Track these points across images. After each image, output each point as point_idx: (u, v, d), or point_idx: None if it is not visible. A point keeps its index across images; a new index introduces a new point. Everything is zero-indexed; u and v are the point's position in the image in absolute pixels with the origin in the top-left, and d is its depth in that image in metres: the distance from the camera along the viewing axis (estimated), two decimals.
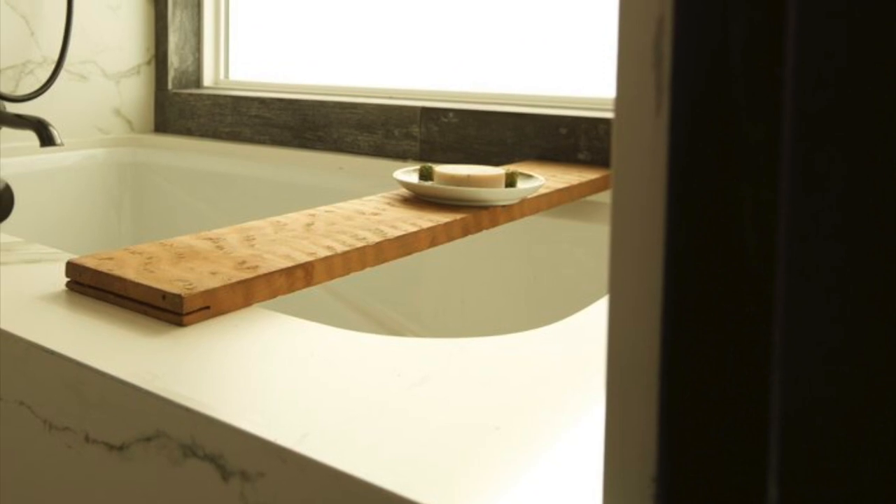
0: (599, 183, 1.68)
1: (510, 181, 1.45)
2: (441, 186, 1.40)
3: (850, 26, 0.37)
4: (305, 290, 1.04)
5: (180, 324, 0.88)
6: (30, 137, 2.20)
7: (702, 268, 0.42)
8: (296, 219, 1.26)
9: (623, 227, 0.45)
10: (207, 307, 0.91)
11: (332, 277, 1.08)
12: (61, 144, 2.08)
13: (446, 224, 1.29)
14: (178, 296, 0.88)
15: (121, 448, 0.75)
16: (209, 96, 2.47)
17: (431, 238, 1.26)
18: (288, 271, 1.01)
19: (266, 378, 0.76)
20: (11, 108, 2.21)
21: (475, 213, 1.36)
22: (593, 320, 0.94)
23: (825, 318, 0.38)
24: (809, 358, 0.38)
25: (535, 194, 1.49)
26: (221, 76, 2.66)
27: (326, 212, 1.32)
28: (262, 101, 2.35)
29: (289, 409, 0.70)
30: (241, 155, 2.34)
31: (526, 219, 1.56)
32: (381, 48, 2.35)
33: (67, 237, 2.34)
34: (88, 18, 2.41)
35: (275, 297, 0.99)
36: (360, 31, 2.38)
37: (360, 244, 1.13)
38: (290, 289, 1.01)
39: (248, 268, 0.99)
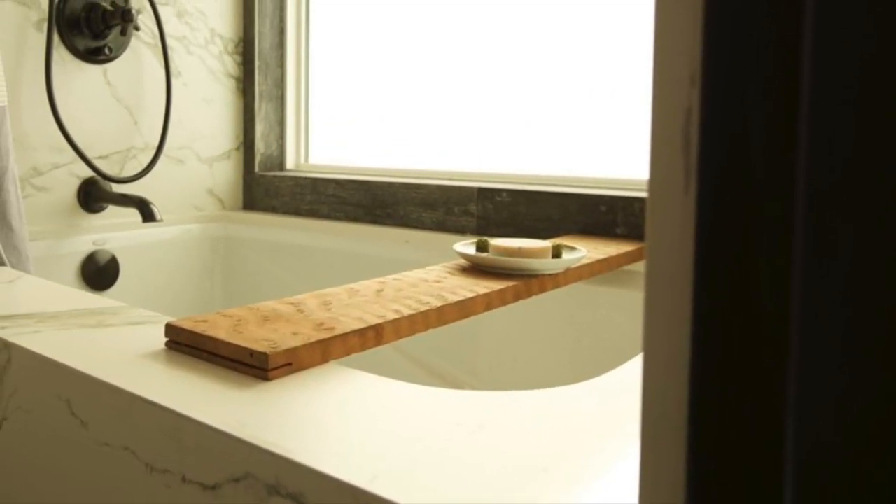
0: (635, 254, 1.68)
1: (556, 253, 1.45)
2: (495, 257, 1.40)
3: (858, 114, 0.37)
4: (376, 349, 1.05)
5: (266, 378, 0.89)
6: (133, 214, 2.23)
7: (724, 329, 0.42)
8: (367, 286, 1.27)
9: (655, 293, 0.45)
10: (289, 364, 0.91)
11: (399, 337, 1.08)
12: (161, 220, 2.10)
13: (500, 290, 1.29)
14: (264, 354, 0.89)
15: (213, 488, 0.76)
16: (291, 178, 2.49)
17: (487, 303, 1.26)
18: (360, 332, 1.01)
19: (341, 426, 0.76)
20: (117, 188, 2.24)
21: (525, 281, 1.36)
22: (629, 375, 0.94)
23: (834, 372, 0.38)
24: (820, 408, 0.38)
25: (578, 264, 1.49)
26: (302, 160, 2.68)
27: (394, 280, 1.32)
28: (337, 182, 2.37)
29: (361, 454, 0.70)
30: (320, 230, 2.35)
31: (570, 286, 1.56)
32: (442, 135, 2.36)
33: (166, 302, 2.36)
34: (185, 110, 2.44)
35: (349, 354, 0.99)
36: (424, 121, 2.40)
37: (424, 308, 1.13)
38: (363, 347, 1.02)
39: (326, 329, 1.00)
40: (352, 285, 1.27)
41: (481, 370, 1.91)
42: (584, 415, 0.81)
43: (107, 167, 2.23)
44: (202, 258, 2.49)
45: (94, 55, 2.19)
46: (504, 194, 1.99)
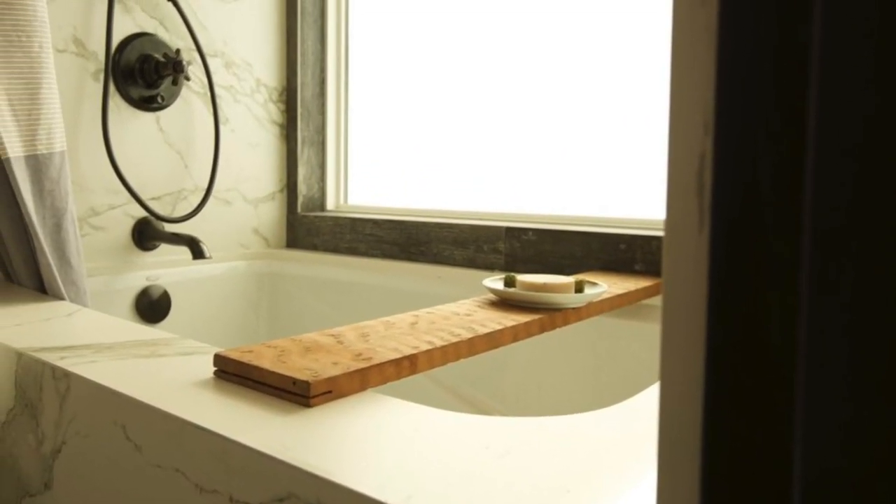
0: (652, 289, 1.68)
1: (579, 288, 1.45)
2: (522, 292, 1.41)
3: (859, 161, 0.38)
4: (410, 378, 1.05)
5: (307, 405, 0.89)
6: (184, 252, 2.25)
7: (736, 359, 0.42)
8: (402, 319, 1.27)
9: (672, 325, 0.45)
10: (330, 391, 0.92)
11: (432, 367, 1.08)
12: (210, 258, 2.12)
13: (526, 323, 1.30)
14: (306, 382, 0.90)
15: None
16: (331, 218, 2.51)
17: (514, 334, 1.26)
18: (396, 362, 1.02)
19: (378, 450, 0.77)
20: (169, 227, 2.26)
21: (550, 314, 1.36)
22: (647, 402, 0.94)
23: (838, 401, 0.38)
24: (825, 434, 0.38)
25: (599, 299, 1.49)
26: (341, 201, 2.69)
27: (428, 313, 1.33)
28: (374, 221, 2.38)
29: (396, 475, 0.70)
30: (358, 266, 2.36)
31: (591, 319, 1.56)
32: (472, 178, 2.37)
33: (215, 334, 2.37)
34: (232, 154, 2.46)
35: (385, 383, 0.99)
36: (455, 164, 2.41)
37: (455, 339, 1.13)
38: (398, 376, 1.02)
39: (364, 359, 1.00)
40: (388, 318, 1.27)
41: (509, 397, 1.91)
42: (605, 439, 0.81)
43: (159, 208, 2.25)
44: (248, 293, 2.50)
45: (148, 103, 2.21)
46: (530, 233, 2.00)
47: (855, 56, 0.37)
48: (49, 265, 1.62)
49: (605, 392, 1.74)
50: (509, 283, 1.49)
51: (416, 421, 0.86)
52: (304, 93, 2.60)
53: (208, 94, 2.36)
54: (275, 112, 2.59)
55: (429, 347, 1.08)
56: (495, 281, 1.53)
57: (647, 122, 2.00)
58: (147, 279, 2.20)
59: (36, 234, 1.61)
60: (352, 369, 0.95)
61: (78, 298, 1.68)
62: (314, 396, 0.90)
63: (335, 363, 0.98)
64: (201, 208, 2.30)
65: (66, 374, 1.05)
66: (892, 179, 0.37)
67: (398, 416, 0.87)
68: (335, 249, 2.50)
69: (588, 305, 1.46)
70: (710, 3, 0.42)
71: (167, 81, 2.24)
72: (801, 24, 0.40)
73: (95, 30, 2.09)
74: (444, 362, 1.11)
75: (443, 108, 2.44)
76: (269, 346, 1.07)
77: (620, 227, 1.96)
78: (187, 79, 2.23)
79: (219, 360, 1.02)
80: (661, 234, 1.77)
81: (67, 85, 2.03)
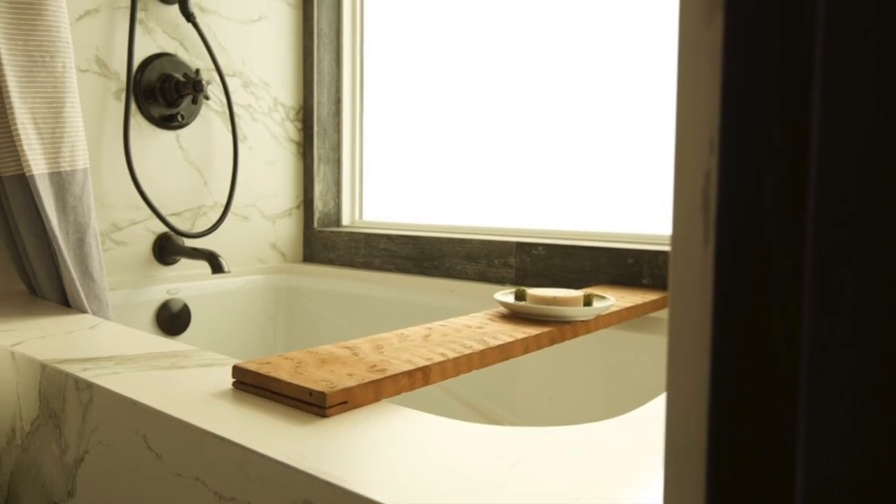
0: (659, 303, 1.67)
1: (587, 301, 1.45)
2: (532, 305, 1.41)
3: (860, 176, 0.38)
4: (424, 388, 1.05)
5: (323, 415, 0.89)
6: (203, 266, 2.26)
7: (740, 370, 0.42)
8: (416, 331, 1.27)
9: (678, 337, 0.45)
10: (345, 402, 0.92)
11: (445, 378, 1.08)
12: (228, 272, 2.12)
13: (537, 335, 1.29)
14: (322, 393, 0.90)
15: None
16: (347, 233, 2.51)
17: (525, 346, 1.26)
18: (410, 373, 1.02)
19: (392, 459, 0.77)
20: (189, 242, 2.27)
21: (560, 327, 1.36)
22: (654, 412, 0.93)
23: (839, 410, 0.38)
24: (827, 443, 0.38)
25: (607, 312, 1.48)
26: (357, 217, 2.70)
27: (440, 326, 1.33)
28: (389, 237, 2.38)
29: (410, 484, 0.70)
30: (373, 280, 2.36)
31: (600, 331, 1.56)
32: (483, 194, 2.37)
33: (233, 346, 2.37)
34: (250, 172, 2.47)
35: (399, 393, 0.99)
36: (467, 181, 2.41)
37: (467, 351, 1.13)
38: (412, 387, 1.02)
39: (378, 370, 1.00)
40: (402, 331, 1.27)
41: (520, 408, 1.91)
42: (614, 449, 0.81)
43: (179, 223, 2.26)
44: (266, 306, 2.50)
45: (168, 122, 2.22)
46: (540, 248, 2.00)
47: (856, 72, 0.38)
48: (72, 279, 1.62)
49: (613, 402, 1.74)
50: (520, 296, 1.49)
51: (428, 431, 0.86)
52: (321, 111, 2.61)
53: (227, 112, 2.37)
54: (292, 130, 2.60)
55: (442, 359, 1.08)
56: (506, 294, 1.53)
57: (653, 139, 2.00)
58: (168, 293, 2.20)
59: (59, 249, 1.62)
60: (367, 380, 0.95)
61: (100, 311, 1.68)
62: (330, 407, 0.90)
63: (350, 374, 0.98)
64: (220, 224, 2.30)
65: (89, 385, 1.05)
66: (893, 193, 0.37)
67: (412, 426, 0.87)
68: (350, 264, 2.50)
69: (597, 318, 1.46)
70: (715, 25, 0.42)
71: (187, 100, 2.26)
72: (802, 41, 0.40)
73: (117, 50, 2.10)
74: (456, 374, 1.11)
75: (455, 126, 2.44)
76: (286, 358, 1.07)
77: (628, 242, 1.96)
78: (207, 98, 2.23)
79: (237, 371, 1.02)
80: (667, 248, 1.77)
81: (90, 104, 2.04)
